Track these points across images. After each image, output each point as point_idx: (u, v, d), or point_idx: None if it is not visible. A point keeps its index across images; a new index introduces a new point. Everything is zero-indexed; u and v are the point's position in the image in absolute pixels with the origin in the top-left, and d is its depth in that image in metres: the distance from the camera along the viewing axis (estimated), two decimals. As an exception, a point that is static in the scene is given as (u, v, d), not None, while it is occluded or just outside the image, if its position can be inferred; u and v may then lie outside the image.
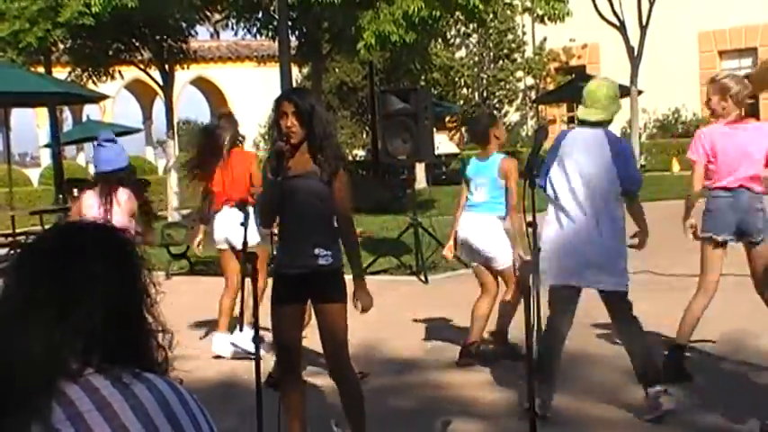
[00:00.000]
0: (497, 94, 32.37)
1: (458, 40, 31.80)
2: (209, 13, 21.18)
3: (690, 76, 27.78)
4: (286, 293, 4.41)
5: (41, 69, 19.78)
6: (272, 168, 4.29)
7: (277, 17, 13.91)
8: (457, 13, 17.57)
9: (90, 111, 29.57)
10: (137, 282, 1.56)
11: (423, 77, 21.15)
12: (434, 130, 12.58)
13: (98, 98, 17.99)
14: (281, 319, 4.43)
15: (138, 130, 25.60)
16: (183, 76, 25.92)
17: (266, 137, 33.23)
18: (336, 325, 4.40)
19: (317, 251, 4.33)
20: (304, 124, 4.30)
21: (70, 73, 21.21)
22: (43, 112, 24.50)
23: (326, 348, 4.53)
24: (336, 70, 29.39)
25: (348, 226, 4.49)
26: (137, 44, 20.82)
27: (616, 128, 31.23)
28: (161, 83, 21.71)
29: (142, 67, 21.78)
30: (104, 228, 1.62)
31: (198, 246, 7.29)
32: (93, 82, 20.70)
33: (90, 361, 1.45)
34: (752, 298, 5.45)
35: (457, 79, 32.29)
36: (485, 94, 32.64)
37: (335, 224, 4.47)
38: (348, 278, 4.44)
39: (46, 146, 25.24)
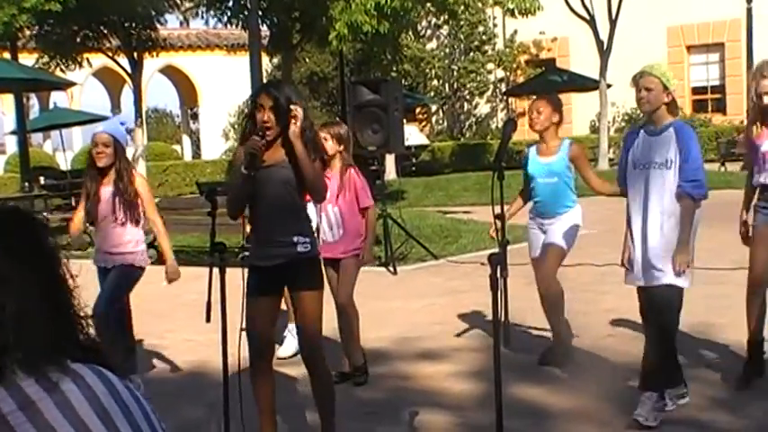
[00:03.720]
0: (468, 85, 32.44)
1: (429, 32, 31.84)
2: (178, 1, 21.02)
3: (658, 71, 27.96)
4: (262, 286, 4.42)
5: (7, 55, 19.53)
6: (246, 164, 4.28)
7: (248, 6, 13.84)
8: (428, 4, 17.58)
9: (57, 98, 29.16)
10: (54, 268, 1.47)
11: (393, 68, 21.14)
12: (404, 121, 12.59)
13: (65, 85, 17.82)
14: (256, 311, 4.43)
15: (105, 119, 25.29)
16: (151, 64, 25.69)
17: (236, 126, 33.18)
18: (313, 312, 4.43)
19: (295, 239, 4.34)
20: (280, 119, 4.29)
21: (37, 60, 20.96)
22: (9, 99, 24.17)
23: (301, 335, 4.56)
24: (307, 60, 29.29)
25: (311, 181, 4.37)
26: (105, 31, 20.61)
27: (585, 121, 31.44)
28: (129, 71, 21.52)
29: (110, 54, 21.58)
30: (13, 212, 1.51)
31: None
32: (61, 69, 20.47)
33: (12, 357, 1.37)
34: (710, 292, 5.50)
35: (428, 71, 32.31)
36: (455, 86, 32.69)
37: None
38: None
39: (12, 133, 24.93)
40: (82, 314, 1.50)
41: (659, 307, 4.84)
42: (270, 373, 4.57)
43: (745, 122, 5.73)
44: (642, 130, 5.01)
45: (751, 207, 5.58)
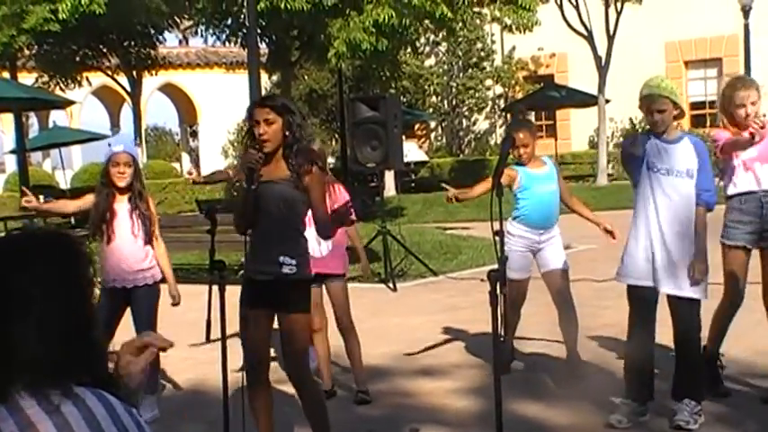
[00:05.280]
0: (467, 102, 32.49)
1: (427, 49, 31.91)
2: (177, 20, 21.10)
3: (656, 86, 28.08)
4: (252, 298, 4.42)
5: (6, 75, 19.59)
6: (246, 178, 4.31)
7: (246, 24, 13.88)
8: (426, 21, 17.63)
9: (56, 117, 29.22)
10: (81, 298, 1.49)
11: (392, 85, 21.19)
12: (404, 137, 12.60)
13: (65, 104, 17.87)
14: (248, 323, 4.44)
15: (105, 137, 25.35)
16: (151, 82, 25.77)
17: (235, 143, 33.19)
18: (297, 334, 4.41)
19: (281, 259, 4.32)
20: (278, 129, 4.31)
21: (37, 79, 21.03)
22: (8, 118, 24.21)
23: (286, 356, 4.54)
24: (306, 78, 29.35)
25: (323, 227, 4.46)
26: (104, 50, 20.69)
27: (583, 137, 31.44)
28: (129, 89, 21.59)
29: (110, 73, 21.66)
30: (49, 235, 1.54)
31: None
32: (61, 88, 20.54)
33: (19, 378, 1.40)
34: (707, 306, 5.47)
35: (426, 87, 32.37)
36: (454, 103, 32.75)
37: (311, 231, 4.51)
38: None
39: (11, 152, 24.96)
40: (100, 344, 1.51)
41: (686, 318, 4.97)
42: (265, 387, 4.56)
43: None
44: (652, 137, 5.02)
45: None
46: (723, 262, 5.42)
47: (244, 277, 4.54)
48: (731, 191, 5.39)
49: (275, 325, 4.56)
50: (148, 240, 5.73)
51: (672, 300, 5.00)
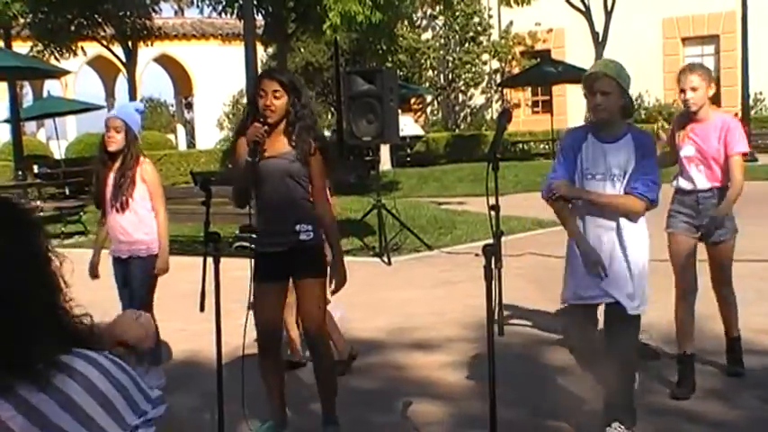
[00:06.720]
0: (463, 76, 32.41)
1: (424, 22, 31.79)
2: (173, -10, 20.95)
3: (653, 63, 28.05)
4: (267, 272, 4.48)
5: (1, 43, 19.46)
6: (250, 152, 4.34)
7: (242, -5, 13.79)
8: (423, -6, 17.56)
9: (51, 86, 29.13)
10: (38, 268, 1.42)
11: (389, 59, 21.11)
12: (399, 111, 12.58)
13: (59, 73, 17.78)
14: (262, 298, 4.50)
15: (100, 107, 25.26)
16: (146, 53, 25.61)
17: (230, 116, 33.10)
18: (315, 299, 4.49)
19: (298, 227, 4.41)
20: (284, 104, 4.37)
21: (32, 48, 20.90)
22: (2, 87, 24.09)
23: (305, 322, 4.63)
24: (302, 50, 29.22)
25: (322, 206, 4.51)
26: (99, 20, 20.55)
27: (579, 113, 31.49)
28: (124, 60, 21.46)
29: (105, 43, 21.52)
30: None
31: None
32: (56, 58, 20.42)
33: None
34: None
35: (423, 61, 32.28)
36: (450, 77, 32.66)
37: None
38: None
39: (5, 121, 24.87)
40: (69, 306, 1.47)
41: (625, 330, 4.34)
42: (278, 356, 4.68)
43: (739, 115, 5.65)
44: (590, 135, 4.41)
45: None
46: (669, 252, 5.39)
47: (255, 253, 4.57)
48: (674, 184, 5.39)
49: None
50: (133, 210, 5.63)
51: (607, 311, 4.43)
